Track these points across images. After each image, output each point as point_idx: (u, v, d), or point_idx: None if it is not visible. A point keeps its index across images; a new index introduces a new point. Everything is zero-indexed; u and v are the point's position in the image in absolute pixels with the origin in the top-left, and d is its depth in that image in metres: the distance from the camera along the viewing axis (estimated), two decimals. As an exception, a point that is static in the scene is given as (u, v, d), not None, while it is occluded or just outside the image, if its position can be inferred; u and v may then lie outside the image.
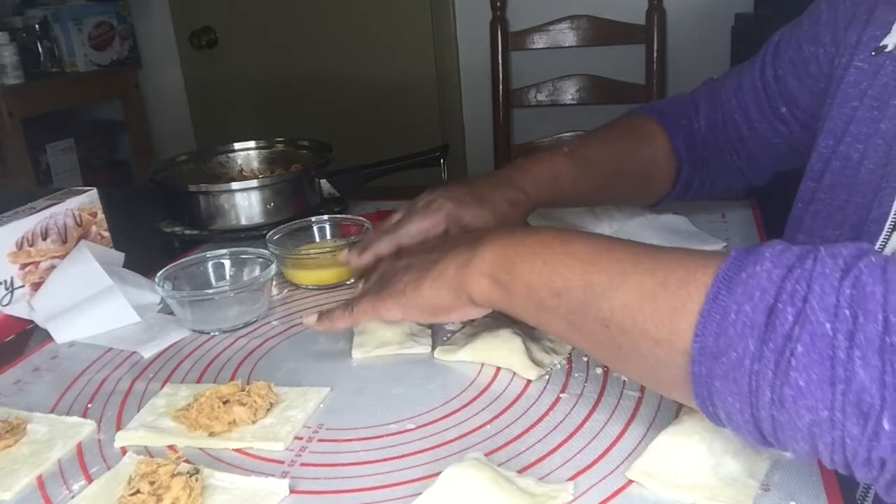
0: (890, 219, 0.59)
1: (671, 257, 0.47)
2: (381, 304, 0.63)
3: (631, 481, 0.51)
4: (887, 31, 0.65)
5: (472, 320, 0.75)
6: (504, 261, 0.55)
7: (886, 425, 0.36)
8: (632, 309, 0.46)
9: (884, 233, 0.59)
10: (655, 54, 1.90)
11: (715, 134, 0.87)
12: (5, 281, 0.81)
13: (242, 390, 0.62)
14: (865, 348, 0.37)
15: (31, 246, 0.84)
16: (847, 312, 0.38)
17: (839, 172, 0.65)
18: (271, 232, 0.90)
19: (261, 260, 0.84)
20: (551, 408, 0.61)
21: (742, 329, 0.40)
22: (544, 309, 0.52)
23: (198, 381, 0.70)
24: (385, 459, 0.56)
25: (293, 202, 1.04)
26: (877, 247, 0.59)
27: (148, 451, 0.59)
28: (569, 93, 1.99)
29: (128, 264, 0.90)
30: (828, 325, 0.38)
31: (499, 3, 1.95)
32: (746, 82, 0.84)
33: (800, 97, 0.77)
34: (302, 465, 0.56)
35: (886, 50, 0.64)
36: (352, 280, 0.88)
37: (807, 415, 0.38)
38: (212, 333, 0.78)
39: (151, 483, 0.51)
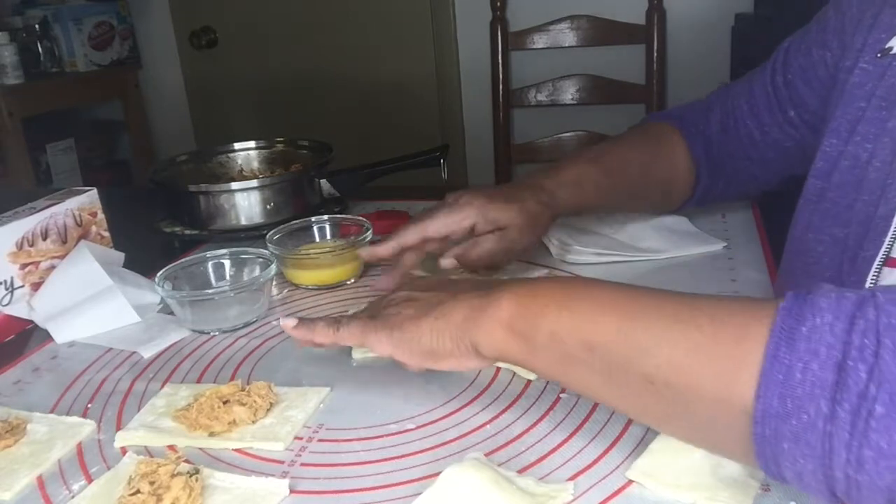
0: None
1: (714, 307, 0.45)
2: (371, 333, 0.60)
3: (631, 481, 0.51)
4: (893, 34, 0.65)
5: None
6: (524, 310, 0.52)
7: None
8: (682, 366, 0.44)
9: (892, 229, 0.59)
10: (655, 54, 1.90)
11: (728, 139, 0.88)
12: (5, 281, 0.82)
13: (242, 390, 0.62)
14: None
15: (31, 246, 0.84)
16: None
17: (848, 172, 0.65)
18: (271, 232, 0.90)
19: (261, 260, 0.84)
20: (551, 408, 0.61)
21: (811, 389, 0.38)
22: (574, 362, 0.49)
23: (198, 381, 0.70)
24: (385, 459, 0.56)
25: (293, 202, 1.04)
26: (885, 243, 0.59)
27: (148, 451, 0.59)
28: (569, 93, 1.99)
29: (128, 264, 0.90)
30: None
31: (499, 3, 1.95)
32: (757, 88, 0.84)
33: (808, 101, 0.78)
34: (302, 465, 0.56)
35: (892, 52, 0.65)
36: (352, 280, 0.88)
37: (889, 475, 0.37)
38: (212, 333, 0.78)
39: (151, 483, 0.51)
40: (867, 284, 0.59)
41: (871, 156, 0.63)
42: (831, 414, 0.38)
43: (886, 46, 0.66)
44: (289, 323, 0.65)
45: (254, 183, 1.03)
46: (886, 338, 0.37)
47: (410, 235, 0.78)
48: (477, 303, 0.54)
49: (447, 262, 0.78)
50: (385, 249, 0.78)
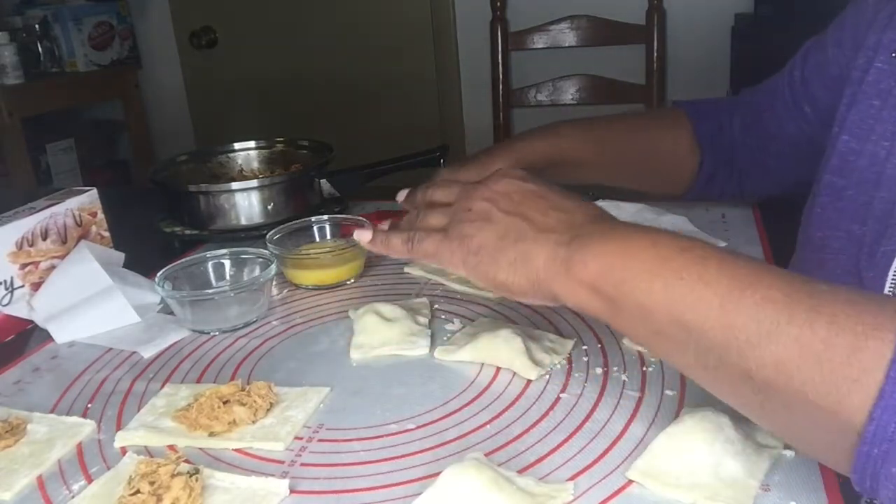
0: None
1: (833, 305, 0.41)
2: (446, 253, 0.57)
3: (631, 481, 0.51)
4: None
5: (472, 320, 0.76)
6: (612, 273, 0.48)
7: None
8: (788, 367, 0.40)
9: None
10: (655, 54, 1.90)
11: (747, 134, 0.89)
12: (5, 281, 0.81)
13: (242, 390, 0.62)
14: None
15: (31, 246, 0.84)
16: None
17: (867, 170, 0.66)
18: (271, 232, 0.90)
19: (261, 260, 0.84)
20: (551, 408, 0.61)
21: None
22: (665, 337, 0.47)
23: (198, 381, 0.70)
24: (385, 459, 0.56)
25: (293, 202, 1.04)
26: None
27: (148, 451, 0.59)
28: (569, 93, 1.99)
29: (128, 264, 0.90)
30: None
31: (499, 3, 1.95)
32: (777, 85, 0.86)
33: (822, 98, 0.79)
34: (302, 465, 0.56)
35: None
36: (352, 280, 0.88)
37: None
38: (212, 333, 0.78)
39: (151, 483, 0.51)
40: (888, 279, 0.59)
41: (889, 153, 0.64)
42: None
43: None
44: (364, 237, 0.63)
45: (254, 183, 1.03)
46: None
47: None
48: (562, 253, 0.51)
49: None
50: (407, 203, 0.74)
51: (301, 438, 0.59)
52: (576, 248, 0.51)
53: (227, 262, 0.86)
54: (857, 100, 0.68)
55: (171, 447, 0.59)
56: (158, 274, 0.81)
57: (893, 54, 0.66)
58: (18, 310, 0.82)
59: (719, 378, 0.45)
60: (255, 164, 1.18)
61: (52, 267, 0.85)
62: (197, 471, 0.53)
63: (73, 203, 0.89)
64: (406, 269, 0.88)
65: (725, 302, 0.43)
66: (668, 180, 0.94)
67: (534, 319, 0.75)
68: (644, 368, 0.65)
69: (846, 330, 0.39)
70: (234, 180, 1.09)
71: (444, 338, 0.73)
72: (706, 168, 0.91)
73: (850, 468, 0.40)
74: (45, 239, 0.85)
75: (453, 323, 0.76)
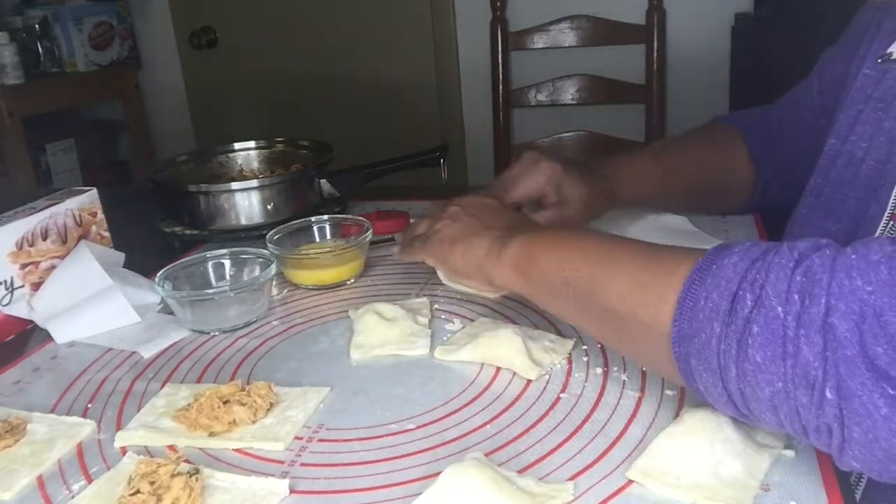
0: (886, 214, 0.61)
1: (663, 253, 0.54)
2: (421, 252, 0.74)
3: (631, 481, 0.51)
4: (893, 41, 0.68)
5: (472, 320, 0.76)
6: (527, 253, 0.62)
7: (829, 394, 0.41)
8: (625, 297, 0.53)
9: (880, 226, 0.61)
10: (655, 54, 1.90)
11: (783, 142, 0.90)
12: (5, 281, 0.81)
13: (242, 390, 0.62)
14: (809, 328, 0.42)
15: (31, 246, 0.84)
16: (796, 297, 0.43)
17: (843, 169, 0.68)
18: (271, 232, 0.90)
19: (261, 260, 0.84)
20: (551, 408, 0.61)
21: (710, 314, 0.46)
22: (557, 295, 0.60)
23: (198, 381, 0.70)
24: (385, 459, 0.56)
25: (293, 202, 1.04)
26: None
27: (148, 451, 0.59)
28: (569, 93, 1.98)
29: (128, 264, 0.90)
30: (779, 309, 0.43)
31: (499, 3, 1.95)
32: (800, 97, 0.87)
33: (831, 110, 0.80)
34: (302, 465, 0.56)
35: (892, 57, 0.67)
36: (352, 280, 0.88)
37: (766, 388, 0.44)
38: (212, 333, 0.78)
39: (151, 483, 0.51)
40: None
41: (866, 154, 0.66)
42: (723, 334, 0.45)
43: (887, 52, 0.68)
44: (396, 250, 0.81)
45: (254, 183, 1.03)
46: (772, 273, 0.44)
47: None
48: (497, 243, 0.65)
49: None
50: None
51: (301, 438, 0.59)
52: (507, 241, 0.65)
53: (227, 262, 0.86)
54: (846, 105, 0.70)
55: (171, 447, 0.59)
56: (158, 274, 0.81)
57: (879, 60, 0.68)
58: (18, 310, 0.82)
59: (590, 319, 0.58)
60: (255, 164, 1.18)
61: (52, 267, 0.85)
62: (197, 471, 0.53)
63: (73, 203, 0.89)
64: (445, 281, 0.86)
65: (591, 257, 0.57)
66: (726, 199, 0.95)
67: (534, 319, 0.75)
68: (644, 368, 0.65)
69: (665, 263, 0.52)
70: (234, 180, 1.09)
71: (444, 338, 0.73)
72: (762, 183, 0.92)
73: (681, 376, 0.50)
74: (45, 239, 0.85)
75: (453, 323, 0.76)
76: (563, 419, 0.59)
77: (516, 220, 0.72)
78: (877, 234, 0.61)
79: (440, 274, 0.77)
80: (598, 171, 0.86)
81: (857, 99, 0.69)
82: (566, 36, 1.96)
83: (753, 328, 0.44)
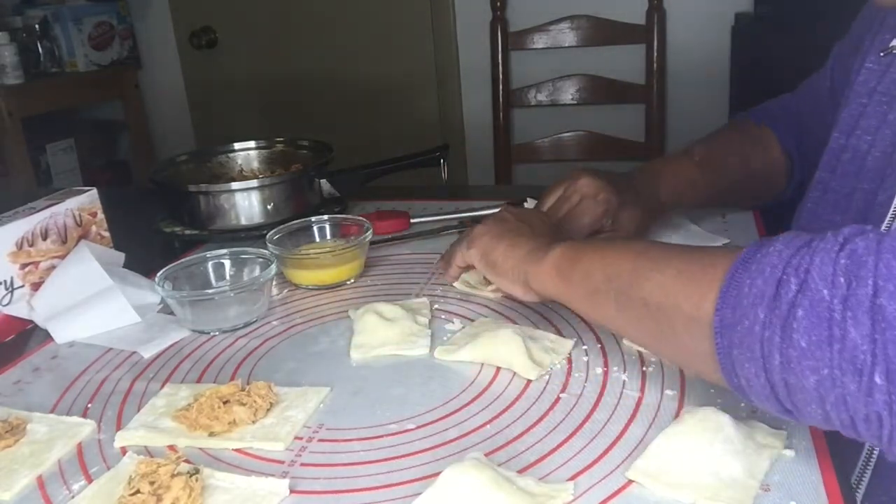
0: (895, 203, 0.62)
1: (707, 249, 0.54)
2: (465, 242, 0.75)
3: (631, 481, 0.51)
4: (895, 35, 0.68)
5: (472, 320, 0.76)
6: (570, 257, 0.63)
7: (878, 380, 0.40)
8: (668, 287, 0.52)
9: (889, 215, 0.62)
10: (655, 54, 1.90)
11: (811, 135, 0.90)
12: (5, 281, 0.81)
13: (242, 390, 0.62)
14: (856, 310, 0.41)
15: (31, 246, 0.84)
16: (842, 280, 0.42)
17: (849, 163, 0.69)
18: (271, 232, 0.90)
19: (261, 260, 0.84)
20: (551, 408, 0.61)
21: (754, 300, 0.45)
22: (596, 293, 0.59)
23: (198, 381, 0.70)
24: (385, 459, 0.56)
25: (293, 202, 1.04)
26: (882, 227, 0.62)
27: (148, 451, 0.59)
28: (569, 93, 1.98)
29: (128, 264, 0.90)
30: (825, 291, 0.42)
31: (499, 3, 1.95)
32: (817, 89, 0.88)
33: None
34: (302, 465, 0.56)
35: (895, 51, 0.68)
36: (352, 280, 0.88)
37: (811, 375, 0.42)
38: (212, 333, 0.78)
39: (151, 483, 0.51)
40: None
41: (871, 146, 0.66)
42: (767, 321, 0.44)
43: (890, 45, 0.68)
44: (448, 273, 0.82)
45: (254, 183, 1.03)
46: (816, 257, 0.44)
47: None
48: (542, 246, 0.66)
49: None
50: None
51: (301, 438, 0.59)
52: (551, 246, 0.66)
53: (227, 262, 0.86)
54: (850, 98, 0.71)
55: (171, 447, 0.59)
56: (158, 274, 0.81)
57: (882, 53, 0.69)
58: (18, 310, 0.82)
59: (629, 313, 0.57)
60: (255, 164, 1.18)
61: (52, 267, 0.85)
62: (197, 471, 0.53)
63: (73, 203, 0.89)
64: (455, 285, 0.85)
65: (637, 254, 0.57)
66: (762, 194, 0.96)
67: (534, 319, 0.75)
68: (644, 368, 0.65)
69: (707, 255, 0.52)
70: (234, 180, 1.09)
71: (444, 338, 0.73)
72: (797, 175, 0.92)
73: (721, 371, 0.49)
74: (45, 239, 0.85)
75: (453, 323, 0.76)
76: (563, 419, 0.59)
77: (563, 235, 0.73)
78: (885, 224, 0.62)
79: (464, 278, 0.79)
80: (645, 191, 0.86)
81: (860, 93, 0.70)
82: (566, 36, 1.96)
83: (798, 312, 0.43)
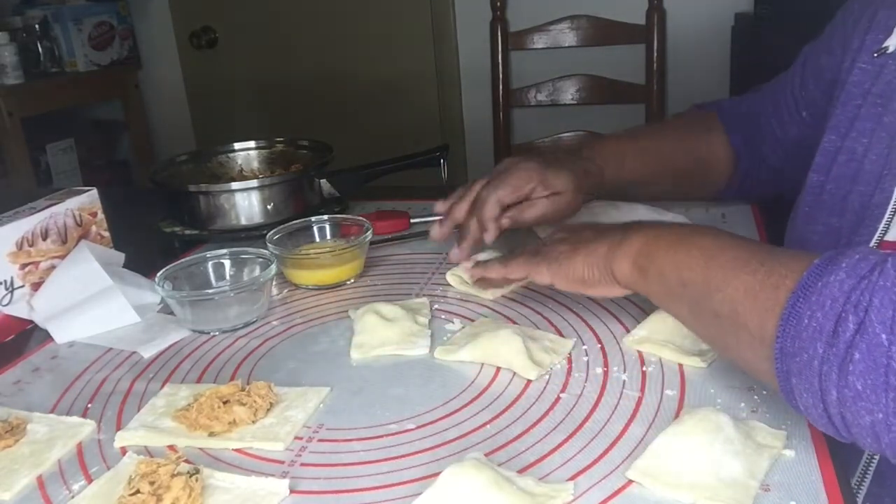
0: (892, 203, 0.62)
1: (774, 258, 0.52)
2: (534, 267, 0.71)
3: (631, 481, 0.51)
4: (889, 34, 0.68)
5: (472, 320, 0.76)
6: (646, 248, 0.62)
7: None
8: (736, 305, 0.52)
9: (885, 216, 0.62)
10: (655, 54, 1.90)
11: (756, 133, 0.91)
12: (5, 281, 0.81)
13: (242, 390, 0.62)
14: None
15: (31, 246, 0.84)
16: None
17: (845, 165, 0.68)
18: (271, 232, 0.90)
19: (261, 260, 0.84)
20: (551, 408, 0.61)
21: (813, 333, 0.45)
22: (672, 296, 0.59)
23: (198, 381, 0.70)
24: (385, 459, 0.56)
25: (293, 202, 1.04)
26: (879, 229, 0.63)
27: (148, 451, 0.59)
28: (569, 93, 1.98)
29: (128, 264, 0.90)
30: (883, 336, 0.42)
31: (499, 3, 1.95)
32: (780, 89, 0.88)
33: (819, 103, 0.81)
34: (302, 465, 0.56)
35: (888, 51, 0.67)
36: (352, 280, 0.88)
37: (867, 416, 0.43)
38: (212, 333, 0.78)
39: (151, 483, 0.51)
40: None
41: (867, 149, 0.66)
42: (826, 356, 0.44)
43: (883, 46, 0.68)
44: (466, 264, 0.80)
45: (254, 183, 1.03)
46: (876, 297, 0.43)
47: (490, 209, 0.80)
48: (617, 239, 0.65)
49: (505, 222, 0.82)
50: (454, 211, 0.84)
51: (301, 438, 0.59)
52: (627, 236, 0.64)
53: (227, 262, 0.86)
54: (842, 100, 0.70)
55: (171, 447, 0.59)
56: (158, 274, 0.81)
57: (875, 54, 0.69)
58: (18, 310, 0.82)
59: (702, 321, 0.57)
60: (255, 164, 1.18)
61: (52, 267, 0.85)
62: (197, 471, 0.53)
63: (73, 203, 0.89)
64: (448, 276, 0.85)
65: (709, 260, 0.56)
66: (704, 185, 0.96)
67: (534, 319, 0.75)
68: (644, 368, 0.65)
69: (773, 274, 0.50)
70: (234, 180, 1.09)
71: (444, 338, 0.73)
72: (742, 168, 0.93)
73: (780, 392, 0.49)
74: (45, 239, 0.85)
75: (453, 323, 0.76)
76: (563, 419, 0.59)
77: (628, 224, 0.70)
78: (881, 225, 0.62)
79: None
80: (578, 154, 0.87)
81: (853, 94, 0.70)
82: (566, 36, 1.96)
83: (855, 354, 0.43)
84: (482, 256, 0.82)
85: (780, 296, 0.48)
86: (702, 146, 0.94)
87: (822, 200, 0.71)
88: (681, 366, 0.65)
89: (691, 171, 0.94)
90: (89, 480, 0.56)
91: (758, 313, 0.50)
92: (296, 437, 0.59)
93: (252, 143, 1.19)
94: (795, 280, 0.48)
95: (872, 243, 0.63)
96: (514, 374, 0.66)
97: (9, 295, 0.82)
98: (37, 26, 2.46)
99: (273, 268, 0.81)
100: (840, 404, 0.44)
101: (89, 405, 0.67)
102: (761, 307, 0.50)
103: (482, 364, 0.68)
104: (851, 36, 0.73)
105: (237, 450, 0.59)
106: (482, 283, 0.79)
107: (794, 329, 0.46)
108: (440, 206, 0.87)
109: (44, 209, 0.85)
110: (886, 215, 0.62)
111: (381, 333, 0.72)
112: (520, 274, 0.73)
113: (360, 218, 0.92)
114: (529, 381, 0.64)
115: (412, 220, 1.03)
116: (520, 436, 0.57)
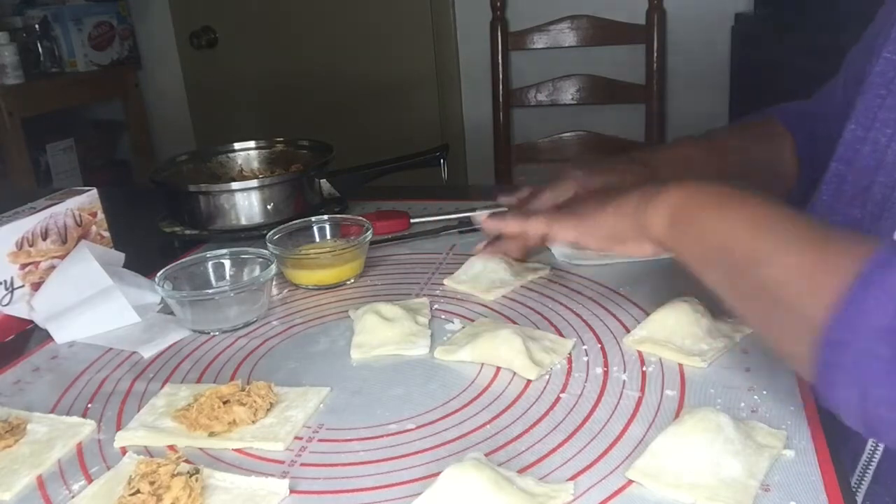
0: None
1: (829, 237, 0.50)
2: (556, 221, 0.67)
3: (631, 481, 0.51)
4: None
5: (472, 320, 0.76)
6: (687, 202, 0.58)
7: None
8: (784, 283, 0.49)
9: None
10: (655, 54, 1.90)
11: (826, 142, 0.90)
12: (5, 281, 0.81)
13: (242, 390, 0.62)
14: None
15: (31, 246, 0.84)
16: None
17: (868, 156, 0.68)
18: (271, 232, 0.90)
19: (261, 260, 0.84)
20: (551, 408, 0.61)
21: (870, 332, 0.44)
22: (708, 261, 0.56)
23: (198, 381, 0.70)
24: (385, 459, 0.56)
25: (293, 202, 1.04)
26: None
27: (148, 451, 0.59)
28: (569, 93, 1.99)
29: (128, 264, 0.90)
30: None
31: (499, 3, 1.95)
32: (829, 98, 0.87)
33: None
34: (302, 465, 0.56)
35: None
36: (352, 280, 0.88)
37: None
38: (212, 333, 0.78)
39: (151, 483, 0.51)
40: None
41: (891, 140, 0.65)
42: (880, 354, 0.43)
43: None
44: (482, 215, 0.76)
45: (254, 183, 1.03)
46: None
47: (513, 223, 0.77)
48: (651, 191, 0.61)
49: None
50: (492, 226, 0.81)
51: (301, 438, 0.59)
52: (661, 187, 0.60)
53: (227, 262, 0.85)
54: (866, 90, 0.69)
55: (171, 447, 0.59)
56: (158, 274, 0.81)
57: None
58: (18, 310, 0.82)
59: (739, 291, 0.54)
60: (255, 164, 1.18)
61: (52, 267, 0.85)
62: (197, 471, 0.53)
63: (73, 203, 0.89)
64: (445, 282, 0.85)
65: (756, 228, 0.53)
66: (771, 188, 0.93)
67: (534, 319, 0.75)
68: (644, 368, 0.65)
69: (829, 255, 0.48)
70: (234, 180, 1.09)
71: (444, 338, 0.73)
72: (805, 177, 0.91)
73: (816, 378, 0.47)
74: (45, 239, 0.85)
75: (453, 323, 0.76)
76: (563, 419, 0.59)
77: (657, 181, 0.66)
78: None
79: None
80: (636, 158, 0.85)
81: (877, 84, 0.68)
82: (566, 36, 1.96)
83: None
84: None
85: (839, 281, 0.45)
86: (767, 158, 0.91)
87: (842, 191, 0.70)
88: (681, 366, 0.65)
89: (756, 175, 0.91)
90: (89, 480, 0.56)
91: (809, 296, 0.47)
92: (296, 438, 0.59)
93: (252, 143, 1.19)
94: (858, 265, 0.45)
95: (894, 235, 0.62)
96: (514, 374, 0.66)
97: (9, 295, 0.82)
98: (37, 26, 2.46)
99: (273, 268, 0.81)
100: (885, 403, 0.43)
101: (89, 405, 0.67)
102: (814, 291, 0.47)
103: (482, 364, 0.68)
104: (881, 33, 0.72)
105: (237, 450, 0.59)
106: (493, 248, 0.76)
107: (851, 320, 0.44)
108: (504, 199, 0.87)
109: (44, 209, 0.85)
110: None
111: (381, 333, 0.72)
112: (540, 229, 0.69)
113: (360, 218, 0.92)
114: (529, 381, 0.64)
115: (412, 220, 1.03)
116: (520, 436, 0.57)
